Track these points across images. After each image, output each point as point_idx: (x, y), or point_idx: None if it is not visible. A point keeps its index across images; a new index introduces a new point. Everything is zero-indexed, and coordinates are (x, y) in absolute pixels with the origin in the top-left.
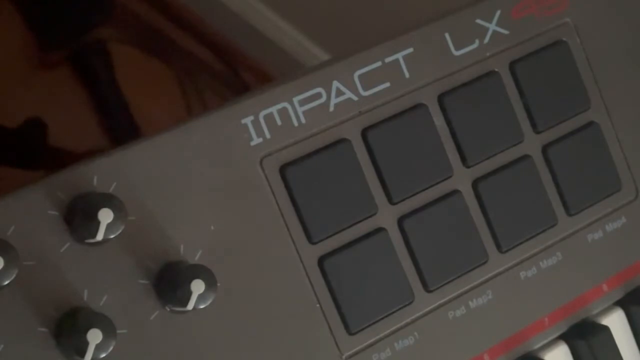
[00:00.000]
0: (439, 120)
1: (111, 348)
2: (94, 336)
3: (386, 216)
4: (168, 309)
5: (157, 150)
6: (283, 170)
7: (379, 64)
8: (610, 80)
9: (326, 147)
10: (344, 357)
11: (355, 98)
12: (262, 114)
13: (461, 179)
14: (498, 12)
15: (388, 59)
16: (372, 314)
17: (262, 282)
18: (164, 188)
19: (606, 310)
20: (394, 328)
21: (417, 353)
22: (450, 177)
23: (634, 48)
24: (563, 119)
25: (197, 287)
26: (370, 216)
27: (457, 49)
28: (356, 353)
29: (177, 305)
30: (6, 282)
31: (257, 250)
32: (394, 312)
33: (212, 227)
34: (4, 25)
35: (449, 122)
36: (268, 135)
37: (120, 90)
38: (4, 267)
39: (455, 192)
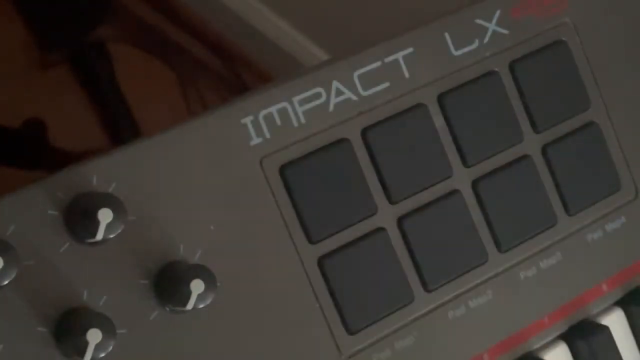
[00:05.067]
0: (438, 120)
1: (111, 348)
2: (94, 336)
3: (386, 216)
4: (168, 309)
5: (157, 150)
6: (283, 170)
7: (378, 64)
8: (610, 80)
9: (326, 147)
10: (343, 357)
11: (355, 98)
12: (261, 114)
13: (461, 179)
14: (498, 12)
15: (388, 59)
16: (372, 314)
17: (262, 282)
18: (164, 188)
19: (606, 310)
20: (393, 328)
21: (417, 353)
22: (450, 177)
23: (634, 48)
24: (563, 119)
25: (197, 287)
26: (370, 216)
27: (456, 49)
28: (356, 353)
29: (177, 305)
30: (6, 282)
31: (256, 250)
32: (393, 312)
33: (212, 227)
34: (4, 26)
35: (448, 122)
36: (268, 135)
37: (120, 90)
38: (3, 267)
39: (455, 192)
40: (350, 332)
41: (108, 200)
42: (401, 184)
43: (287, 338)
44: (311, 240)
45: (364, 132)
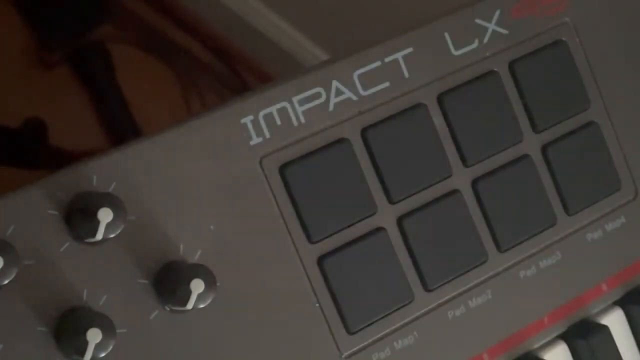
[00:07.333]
0: (438, 120)
1: (111, 347)
2: (94, 336)
3: (386, 216)
4: (168, 309)
5: (157, 150)
6: (282, 169)
7: (378, 63)
8: (610, 80)
9: (326, 147)
10: (343, 356)
11: (354, 98)
12: (261, 113)
13: (460, 179)
14: (498, 12)
15: (387, 59)
16: (371, 313)
17: (262, 282)
18: (164, 188)
19: (605, 310)
20: (393, 327)
21: (417, 352)
22: (450, 176)
23: (634, 48)
24: (562, 119)
25: (197, 286)
26: (369, 216)
27: (456, 48)
28: (356, 352)
29: (177, 305)
30: (6, 282)
31: (256, 249)
32: (393, 312)
33: (212, 227)
34: (4, 25)
35: (448, 122)
36: (268, 135)
37: (120, 90)
38: (3, 267)
39: (454, 191)
40: (350, 331)
41: (108, 200)
42: (401, 184)
43: (287, 338)
44: (311, 240)
45: (364, 132)
